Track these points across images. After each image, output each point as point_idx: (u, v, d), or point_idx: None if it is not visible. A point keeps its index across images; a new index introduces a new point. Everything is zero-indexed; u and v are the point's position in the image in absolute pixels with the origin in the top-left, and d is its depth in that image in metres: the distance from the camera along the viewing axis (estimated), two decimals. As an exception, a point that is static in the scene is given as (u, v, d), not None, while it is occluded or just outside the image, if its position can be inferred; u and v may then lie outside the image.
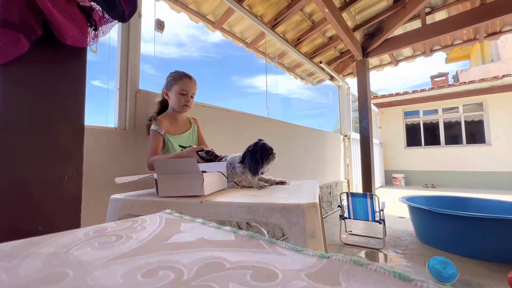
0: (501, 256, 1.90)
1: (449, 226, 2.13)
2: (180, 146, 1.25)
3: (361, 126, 3.88)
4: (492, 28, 3.38)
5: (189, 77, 1.27)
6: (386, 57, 4.24)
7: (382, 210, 2.25)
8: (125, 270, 0.20)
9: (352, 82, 4.64)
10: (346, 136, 4.51)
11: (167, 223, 0.35)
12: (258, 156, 0.94)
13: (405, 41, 3.47)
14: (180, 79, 1.25)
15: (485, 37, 3.48)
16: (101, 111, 1.43)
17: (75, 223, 0.66)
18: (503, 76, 5.65)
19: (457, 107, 6.87)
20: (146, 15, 1.48)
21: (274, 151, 0.99)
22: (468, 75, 10.10)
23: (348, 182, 4.45)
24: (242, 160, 0.96)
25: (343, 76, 4.52)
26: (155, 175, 0.77)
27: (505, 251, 1.90)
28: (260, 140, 1.00)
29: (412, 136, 7.49)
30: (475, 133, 6.69)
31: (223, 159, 1.06)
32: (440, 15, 3.34)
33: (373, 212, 2.27)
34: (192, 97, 1.28)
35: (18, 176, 0.58)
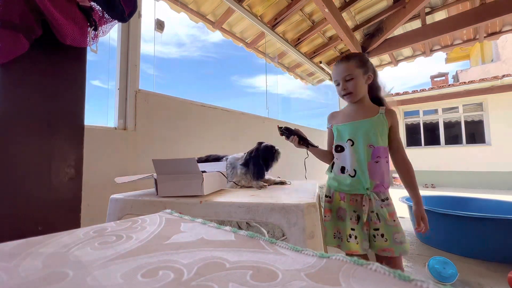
0: (501, 256, 1.90)
1: (449, 226, 2.13)
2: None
3: (361, 126, 3.87)
4: (492, 28, 3.38)
5: (336, 62, 1.09)
6: (386, 57, 4.23)
7: (382, 210, 2.25)
8: (125, 270, 0.20)
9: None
10: (346, 136, 4.50)
11: (167, 223, 0.35)
12: (261, 161, 0.96)
13: (405, 41, 3.47)
14: (333, 70, 1.12)
15: (485, 37, 3.48)
16: (101, 111, 1.43)
17: (75, 223, 0.66)
18: (503, 76, 5.65)
19: (457, 107, 6.87)
20: (146, 15, 1.48)
21: (276, 148, 1.01)
22: (468, 75, 10.10)
23: (348, 182, 4.45)
24: (245, 163, 0.96)
25: (343, 76, 4.51)
26: (154, 175, 0.77)
27: (505, 251, 1.90)
28: (260, 143, 1.01)
29: (412, 136, 7.49)
30: (475, 133, 6.69)
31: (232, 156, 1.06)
32: (440, 15, 3.34)
33: (373, 212, 2.27)
34: (347, 80, 1.04)
35: (18, 176, 0.58)
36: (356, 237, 0.95)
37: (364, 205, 0.95)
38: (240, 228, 1.85)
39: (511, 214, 2.30)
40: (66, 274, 0.20)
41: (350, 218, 0.97)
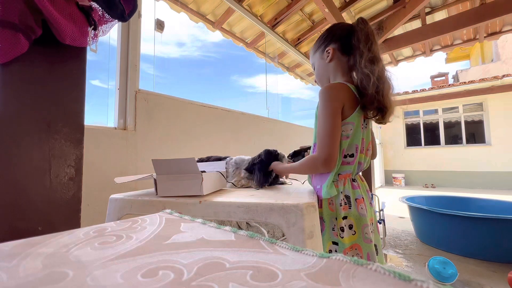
0: (501, 256, 1.90)
1: (449, 226, 2.13)
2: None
3: (361, 126, 3.87)
4: (492, 28, 3.38)
5: None
6: (386, 57, 4.23)
7: (382, 210, 2.25)
8: (125, 270, 0.20)
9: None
10: (346, 136, 4.50)
11: (167, 223, 0.35)
12: (265, 167, 0.93)
13: (405, 41, 3.46)
14: None
15: (485, 37, 3.48)
16: (101, 111, 1.43)
17: (75, 223, 0.66)
18: (503, 76, 5.65)
19: (457, 107, 6.87)
20: (146, 15, 1.48)
21: (278, 152, 0.99)
22: (468, 75, 10.09)
23: (348, 182, 4.44)
24: (248, 169, 0.94)
25: (343, 76, 4.51)
26: (154, 175, 0.77)
27: (505, 251, 1.90)
28: (266, 150, 1.00)
29: (412, 136, 7.49)
30: (475, 133, 6.70)
31: (224, 159, 1.06)
32: (440, 15, 3.34)
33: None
34: (315, 70, 0.93)
35: (17, 176, 0.58)
36: None
37: None
38: (240, 228, 1.85)
39: (511, 214, 2.30)
40: (66, 274, 0.20)
41: None
